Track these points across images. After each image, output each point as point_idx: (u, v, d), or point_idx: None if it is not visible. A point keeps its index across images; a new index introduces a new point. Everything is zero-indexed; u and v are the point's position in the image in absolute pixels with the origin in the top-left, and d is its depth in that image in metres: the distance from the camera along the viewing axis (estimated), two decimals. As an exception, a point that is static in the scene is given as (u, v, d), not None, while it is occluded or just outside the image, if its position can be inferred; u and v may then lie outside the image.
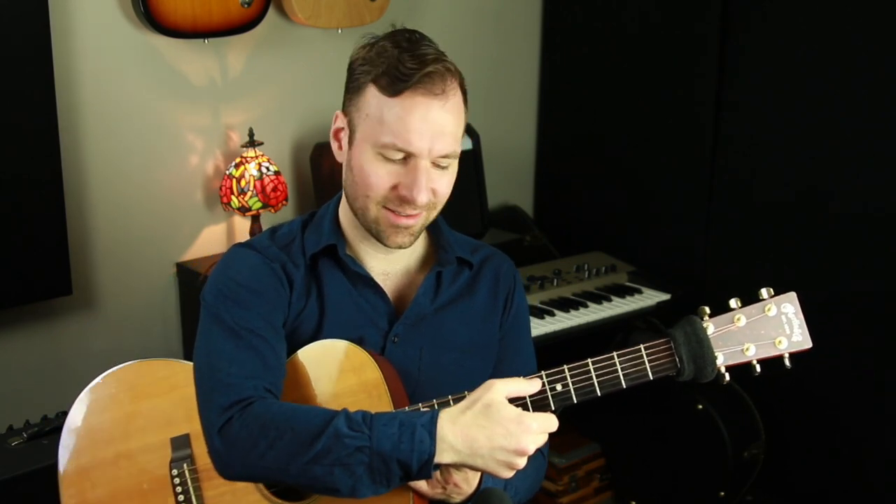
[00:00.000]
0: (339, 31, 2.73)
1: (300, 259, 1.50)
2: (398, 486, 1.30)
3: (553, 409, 1.36)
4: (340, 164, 1.51)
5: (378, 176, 1.40)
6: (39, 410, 2.22)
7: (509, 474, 1.30)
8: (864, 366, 2.62)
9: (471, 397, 1.30)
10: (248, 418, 1.31)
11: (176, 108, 2.63)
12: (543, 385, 1.36)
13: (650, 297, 2.82)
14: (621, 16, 3.13)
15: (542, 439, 1.29)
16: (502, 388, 1.30)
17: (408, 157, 1.38)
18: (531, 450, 1.27)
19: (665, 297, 2.82)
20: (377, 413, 1.30)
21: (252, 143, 2.62)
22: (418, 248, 1.56)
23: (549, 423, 1.30)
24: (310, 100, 2.87)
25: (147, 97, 2.58)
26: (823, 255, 2.69)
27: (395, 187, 1.40)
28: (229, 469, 1.33)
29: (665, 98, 3.02)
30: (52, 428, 2.07)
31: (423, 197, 1.39)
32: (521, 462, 1.28)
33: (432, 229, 1.56)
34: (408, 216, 1.42)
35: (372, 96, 1.39)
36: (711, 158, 2.92)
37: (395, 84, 1.36)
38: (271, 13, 2.63)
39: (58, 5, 2.35)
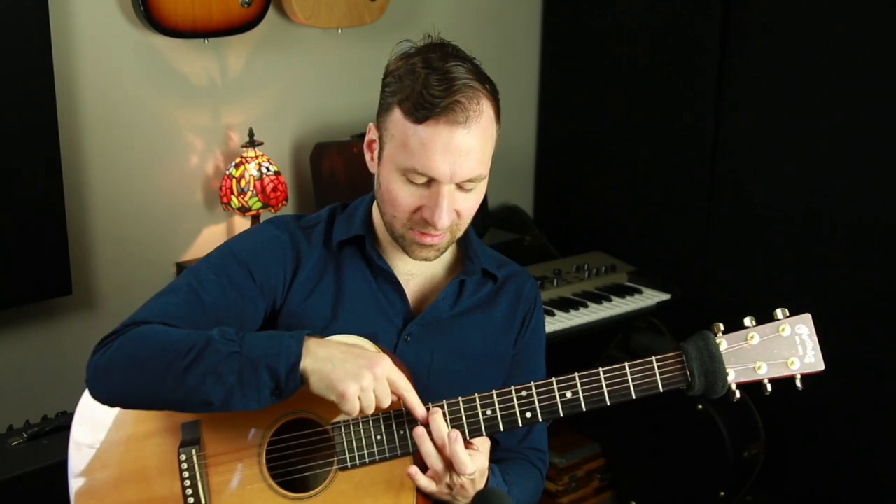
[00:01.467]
0: (339, 31, 2.73)
1: (318, 242, 1.52)
2: (270, 405, 1.33)
3: (561, 415, 1.37)
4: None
5: (402, 198, 1.41)
6: (39, 410, 2.22)
7: (349, 389, 1.28)
8: (864, 366, 2.62)
9: None
10: (132, 335, 1.36)
11: (176, 108, 2.64)
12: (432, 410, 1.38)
13: (650, 297, 2.82)
14: (621, 16, 3.13)
15: (386, 386, 1.32)
16: (389, 360, 1.34)
17: (431, 181, 1.39)
18: (378, 372, 1.30)
19: (665, 297, 2.82)
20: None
21: (252, 143, 2.62)
22: (446, 254, 1.57)
23: (404, 384, 1.34)
24: (310, 100, 2.87)
25: (147, 97, 2.58)
26: (822, 256, 2.69)
27: (418, 209, 1.41)
28: (102, 389, 1.38)
29: (665, 98, 3.02)
30: (52, 428, 2.07)
31: (444, 221, 1.39)
32: (366, 379, 1.29)
33: (461, 238, 1.57)
34: (433, 235, 1.43)
35: (398, 118, 1.39)
36: (711, 159, 2.92)
37: (419, 111, 1.36)
38: (271, 13, 2.63)
39: (58, 5, 2.35)
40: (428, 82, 1.35)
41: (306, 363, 1.31)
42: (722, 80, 2.86)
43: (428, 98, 1.35)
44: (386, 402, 1.32)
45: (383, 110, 1.43)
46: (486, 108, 1.39)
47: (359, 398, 1.30)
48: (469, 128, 1.36)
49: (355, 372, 1.30)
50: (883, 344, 2.58)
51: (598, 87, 3.24)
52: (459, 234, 1.48)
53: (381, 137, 1.44)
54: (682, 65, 2.96)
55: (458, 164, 1.37)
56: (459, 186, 1.40)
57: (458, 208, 1.41)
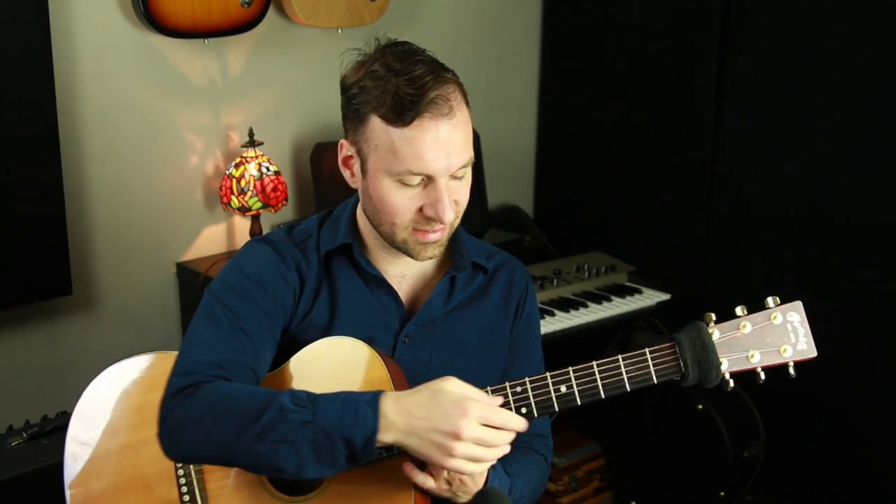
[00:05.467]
0: (339, 31, 2.73)
1: (314, 257, 1.51)
2: (345, 469, 1.29)
3: (556, 409, 1.36)
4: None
5: (401, 203, 1.41)
6: (39, 410, 2.22)
7: (447, 462, 1.26)
8: (864, 365, 2.62)
9: (425, 384, 1.30)
10: (196, 398, 1.32)
11: (176, 108, 2.64)
12: (507, 400, 1.34)
13: (650, 297, 2.82)
14: (621, 16, 3.13)
15: (483, 432, 1.26)
16: (459, 384, 1.30)
17: (427, 179, 1.40)
18: (466, 434, 1.24)
19: (665, 297, 2.82)
20: (321, 393, 1.31)
21: (252, 143, 2.62)
22: None
23: (499, 416, 1.28)
24: (310, 100, 2.87)
25: (147, 97, 2.58)
26: (823, 256, 2.69)
27: (420, 209, 1.41)
28: (175, 447, 1.34)
29: (665, 98, 3.02)
30: (52, 428, 2.07)
31: (449, 214, 1.40)
32: (458, 448, 1.25)
33: None
34: (435, 231, 1.43)
35: (378, 127, 1.39)
36: (711, 158, 2.92)
37: (401, 114, 1.36)
38: (271, 13, 2.63)
39: (58, 5, 2.35)
40: (399, 85, 1.36)
41: (386, 435, 1.26)
42: (722, 80, 2.86)
43: (406, 100, 1.35)
44: (496, 451, 1.28)
45: (356, 123, 1.43)
46: (458, 94, 1.41)
47: (466, 459, 1.27)
48: (453, 117, 1.38)
49: (443, 444, 1.25)
50: (883, 344, 2.58)
51: (598, 87, 3.24)
52: (457, 224, 1.49)
53: (360, 151, 1.44)
54: (682, 65, 2.96)
55: (450, 155, 1.38)
56: (453, 176, 1.41)
57: (455, 199, 1.43)
